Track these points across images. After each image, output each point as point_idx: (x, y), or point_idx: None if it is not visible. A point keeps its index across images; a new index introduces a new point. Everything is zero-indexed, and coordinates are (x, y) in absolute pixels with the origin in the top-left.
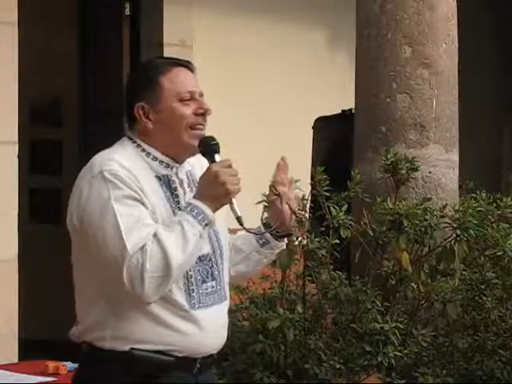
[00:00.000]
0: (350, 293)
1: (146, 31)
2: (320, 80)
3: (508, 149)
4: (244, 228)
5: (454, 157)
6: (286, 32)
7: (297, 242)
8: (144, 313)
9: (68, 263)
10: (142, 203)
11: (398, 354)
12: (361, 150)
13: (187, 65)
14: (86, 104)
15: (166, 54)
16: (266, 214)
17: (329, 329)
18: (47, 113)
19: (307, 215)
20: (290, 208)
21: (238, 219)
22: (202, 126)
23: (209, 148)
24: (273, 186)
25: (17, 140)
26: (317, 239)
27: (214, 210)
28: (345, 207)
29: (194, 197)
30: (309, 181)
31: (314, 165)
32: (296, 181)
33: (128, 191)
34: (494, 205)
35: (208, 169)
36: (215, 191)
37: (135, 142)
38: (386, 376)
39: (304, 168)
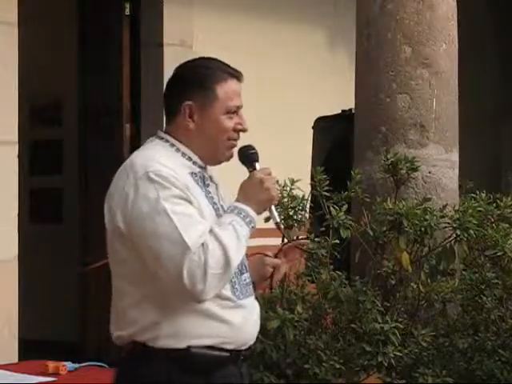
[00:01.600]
0: (350, 293)
1: (146, 31)
2: (320, 80)
3: (508, 149)
4: (282, 233)
5: (454, 157)
6: (286, 32)
7: None
8: (194, 309)
9: (68, 263)
10: (190, 201)
11: (398, 353)
12: (361, 149)
13: (239, 76)
14: (86, 104)
15: (166, 54)
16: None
17: (329, 329)
18: (47, 113)
19: (307, 215)
20: (272, 275)
21: (277, 224)
22: (236, 140)
23: (249, 157)
24: (265, 254)
25: (17, 140)
26: (317, 239)
27: (258, 214)
28: (345, 207)
29: (238, 201)
30: (309, 181)
31: (313, 165)
32: (296, 181)
33: (175, 190)
34: (494, 205)
35: (252, 175)
36: (260, 196)
37: (168, 141)
38: (386, 376)
39: (304, 168)
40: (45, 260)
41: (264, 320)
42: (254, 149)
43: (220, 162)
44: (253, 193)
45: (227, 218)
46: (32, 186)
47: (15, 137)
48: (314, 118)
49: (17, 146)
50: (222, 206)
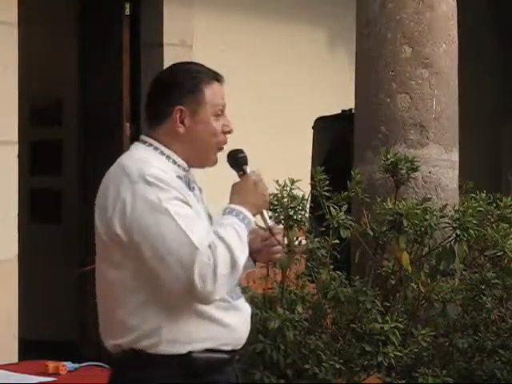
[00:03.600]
0: (350, 293)
1: (146, 31)
2: (320, 80)
3: (508, 149)
4: (275, 238)
5: (454, 157)
6: (286, 32)
7: (296, 242)
8: (194, 312)
9: (67, 263)
10: (188, 203)
11: (398, 353)
12: (361, 149)
13: (220, 79)
14: (86, 104)
15: (165, 54)
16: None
17: (329, 329)
18: (47, 113)
19: (307, 215)
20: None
21: (270, 229)
22: (225, 144)
23: (238, 160)
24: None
25: (17, 140)
26: (317, 239)
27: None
28: (345, 207)
29: (234, 203)
30: (309, 181)
31: (313, 165)
32: (296, 181)
33: (174, 193)
34: (494, 205)
35: (246, 178)
36: (256, 200)
37: (151, 145)
38: (386, 376)
39: (304, 168)
40: (45, 260)
41: (264, 320)
42: (243, 152)
43: (205, 166)
44: (248, 196)
45: (227, 219)
46: (32, 186)
47: (15, 137)
48: (314, 118)
49: (17, 146)
50: (206, 209)
